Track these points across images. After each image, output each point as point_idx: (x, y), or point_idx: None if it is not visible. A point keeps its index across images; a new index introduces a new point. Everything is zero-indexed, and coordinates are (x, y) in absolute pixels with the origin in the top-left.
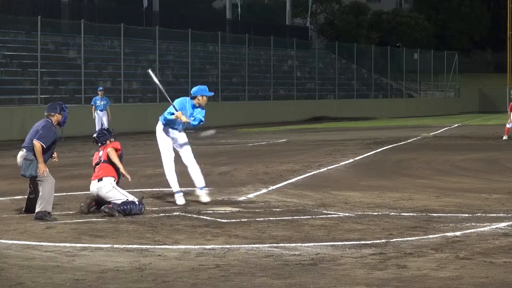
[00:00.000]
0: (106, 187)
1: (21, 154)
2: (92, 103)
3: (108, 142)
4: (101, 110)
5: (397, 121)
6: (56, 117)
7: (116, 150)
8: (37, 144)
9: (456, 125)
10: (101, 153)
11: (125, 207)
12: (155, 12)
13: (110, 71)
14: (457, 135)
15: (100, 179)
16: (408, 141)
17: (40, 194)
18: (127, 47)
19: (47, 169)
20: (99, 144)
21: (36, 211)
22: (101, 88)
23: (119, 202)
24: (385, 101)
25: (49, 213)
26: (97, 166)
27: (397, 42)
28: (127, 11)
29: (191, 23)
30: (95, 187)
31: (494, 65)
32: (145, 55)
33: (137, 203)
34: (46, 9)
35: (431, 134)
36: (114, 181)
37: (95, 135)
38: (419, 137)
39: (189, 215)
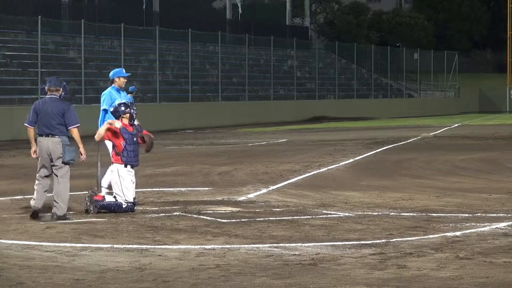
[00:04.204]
0: (114, 174)
1: (55, 140)
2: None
3: (121, 119)
4: None
5: (397, 121)
6: (59, 91)
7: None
8: (75, 130)
9: (456, 125)
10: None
11: (107, 206)
12: (155, 12)
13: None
14: (457, 135)
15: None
16: (408, 141)
17: (58, 190)
18: (127, 47)
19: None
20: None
21: (59, 214)
22: (133, 88)
23: (107, 199)
24: (385, 101)
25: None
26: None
27: (397, 42)
28: (127, 11)
29: (191, 23)
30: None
31: (494, 65)
32: (145, 55)
33: (124, 206)
34: (46, 9)
35: (431, 134)
36: (124, 166)
37: (111, 109)
38: (419, 137)
39: (189, 215)
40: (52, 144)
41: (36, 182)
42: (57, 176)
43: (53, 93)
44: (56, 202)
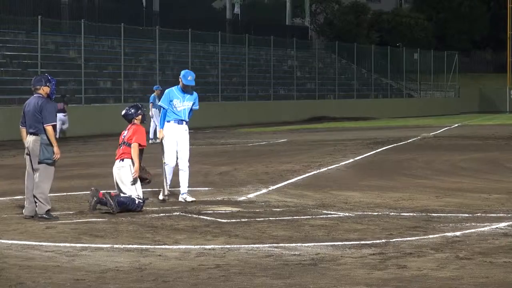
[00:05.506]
0: (126, 169)
1: (35, 138)
2: (151, 101)
3: (134, 120)
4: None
5: (397, 121)
6: (43, 90)
7: (140, 145)
8: (49, 128)
9: (456, 125)
10: (126, 132)
11: (124, 201)
12: (155, 12)
13: (110, 71)
14: (457, 135)
15: (122, 159)
16: (408, 141)
17: (36, 189)
18: (127, 47)
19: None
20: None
21: (39, 212)
22: (159, 87)
23: (122, 195)
24: (385, 101)
25: (48, 210)
26: (120, 146)
27: (397, 42)
28: (127, 11)
29: (191, 23)
30: (116, 166)
31: (494, 65)
32: (145, 55)
33: (136, 202)
34: (46, 9)
35: (431, 134)
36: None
37: (123, 112)
38: (419, 137)
39: (189, 215)
40: (31, 143)
41: (26, 190)
42: (36, 174)
43: (36, 92)
44: (36, 200)
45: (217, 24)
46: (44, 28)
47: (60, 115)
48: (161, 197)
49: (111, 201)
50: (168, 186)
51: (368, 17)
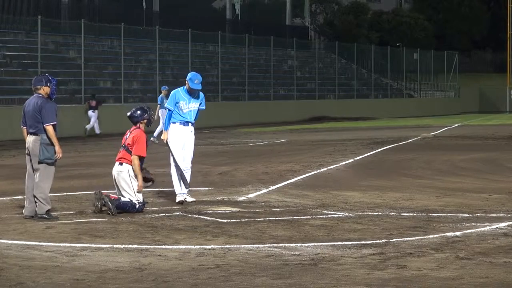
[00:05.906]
0: (124, 174)
1: (35, 138)
2: (159, 102)
3: (139, 124)
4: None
5: (397, 121)
6: (43, 90)
7: (140, 157)
8: (49, 127)
9: (456, 125)
10: (128, 134)
11: (123, 206)
12: (155, 12)
13: (110, 71)
14: (457, 135)
15: (120, 164)
16: (408, 141)
17: (36, 189)
18: (127, 47)
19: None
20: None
21: (39, 212)
22: (166, 87)
23: (122, 199)
24: (385, 101)
25: (48, 210)
26: (121, 149)
27: (397, 42)
28: (127, 11)
29: (191, 23)
30: (115, 169)
31: (494, 65)
32: (145, 55)
33: (137, 206)
34: (46, 9)
35: (431, 134)
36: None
37: (128, 113)
38: (419, 137)
39: (189, 215)
40: (31, 143)
41: (26, 189)
42: (36, 174)
43: (36, 92)
44: (36, 200)
45: (217, 24)
46: (44, 28)
47: (89, 112)
48: (178, 198)
49: (110, 204)
50: (180, 186)
51: (368, 17)
